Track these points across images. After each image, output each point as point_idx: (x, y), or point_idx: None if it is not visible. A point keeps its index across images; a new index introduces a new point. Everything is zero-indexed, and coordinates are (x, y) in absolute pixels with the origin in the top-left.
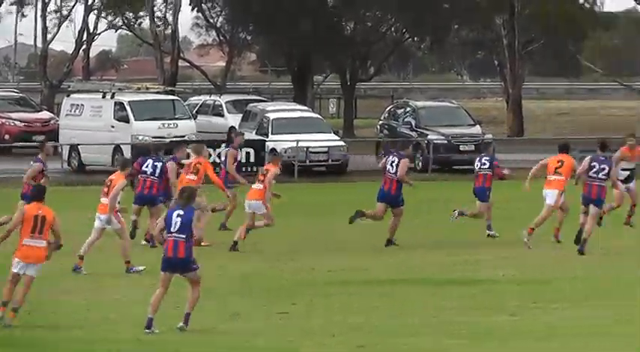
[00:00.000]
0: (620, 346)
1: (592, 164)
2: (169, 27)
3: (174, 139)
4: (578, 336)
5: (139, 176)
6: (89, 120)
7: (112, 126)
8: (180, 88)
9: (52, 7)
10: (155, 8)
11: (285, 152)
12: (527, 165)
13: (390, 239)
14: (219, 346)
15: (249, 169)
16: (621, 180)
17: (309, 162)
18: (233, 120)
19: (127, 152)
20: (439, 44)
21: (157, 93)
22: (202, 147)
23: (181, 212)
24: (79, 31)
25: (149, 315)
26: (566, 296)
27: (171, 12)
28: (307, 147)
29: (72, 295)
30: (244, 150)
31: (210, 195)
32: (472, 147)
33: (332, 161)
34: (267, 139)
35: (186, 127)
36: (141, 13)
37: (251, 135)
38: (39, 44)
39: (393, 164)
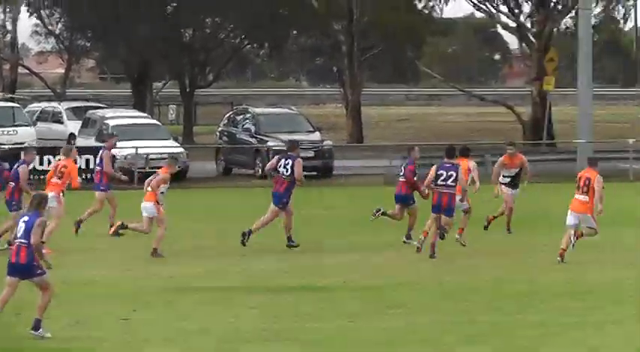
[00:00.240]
0: None
1: (439, 172)
2: (8, 34)
3: (14, 146)
4: (414, 343)
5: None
6: None
7: None
8: (19, 95)
9: None
10: None
11: (125, 158)
12: (366, 171)
13: (289, 237)
14: None
15: (88, 176)
16: (506, 185)
17: (149, 168)
18: (73, 127)
19: None
20: (278, 50)
21: None
22: (70, 149)
23: (26, 218)
24: None
25: None
26: (407, 302)
27: (9, 19)
28: (147, 154)
29: None
30: (84, 156)
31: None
32: (311, 154)
33: None
34: None
35: (25, 134)
36: None
37: (91, 141)
38: None
39: (287, 166)
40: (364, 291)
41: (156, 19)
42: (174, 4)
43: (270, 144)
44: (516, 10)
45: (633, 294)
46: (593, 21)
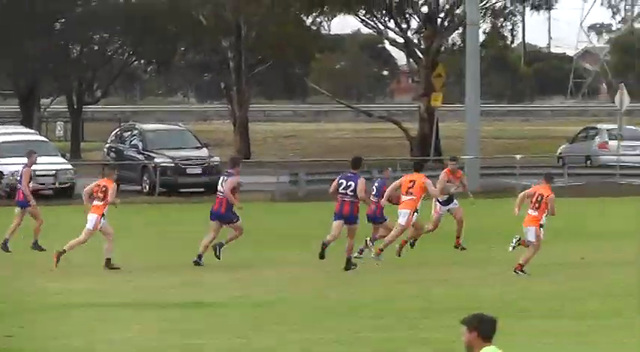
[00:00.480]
0: None
1: (340, 181)
2: None
3: None
4: None
5: None
6: None
7: None
8: None
9: None
10: None
11: (12, 175)
12: (254, 187)
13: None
14: None
15: None
16: (441, 203)
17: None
18: None
19: None
20: (165, 67)
21: None
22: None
23: None
24: None
25: None
26: (291, 319)
27: None
28: (34, 170)
29: None
30: None
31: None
32: (199, 170)
33: (59, 184)
34: None
35: None
36: None
37: None
38: None
39: (223, 183)
40: (254, 308)
41: (44, 34)
42: (62, 20)
43: (157, 160)
44: (404, 26)
45: (521, 309)
46: (480, 37)
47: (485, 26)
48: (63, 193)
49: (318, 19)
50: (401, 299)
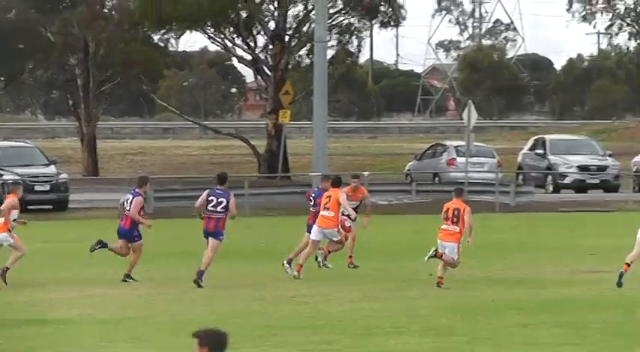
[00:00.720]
0: None
1: (209, 198)
2: None
3: None
4: None
5: None
6: None
7: None
8: None
9: None
10: None
11: None
12: (102, 204)
13: (128, 273)
14: None
15: None
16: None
17: None
18: None
19: None
20: (14, 84)
21: None
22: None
23: None
24: None
25: None
26: (141, 335)
27: None
28: None
29: None
30: None
31: None
32: (47, 187)
33: None
34: None
35: None
36: None
37: None
38: None
39: (128, 201)
40: (100, 324)
41: None
42: None
43: (5, 177)
44: (251, 43)
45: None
46: (329, 54)
47: (333, 43)
48: None
49: (166, 36)
50: (246, 316)
